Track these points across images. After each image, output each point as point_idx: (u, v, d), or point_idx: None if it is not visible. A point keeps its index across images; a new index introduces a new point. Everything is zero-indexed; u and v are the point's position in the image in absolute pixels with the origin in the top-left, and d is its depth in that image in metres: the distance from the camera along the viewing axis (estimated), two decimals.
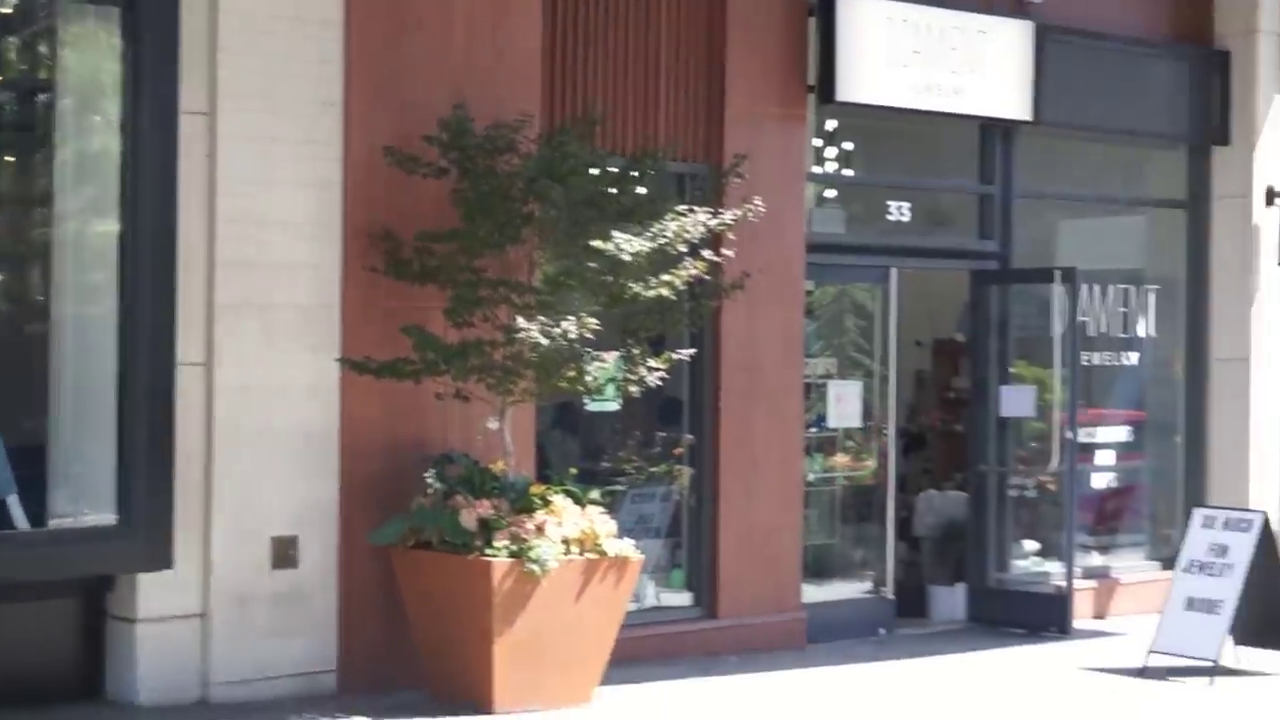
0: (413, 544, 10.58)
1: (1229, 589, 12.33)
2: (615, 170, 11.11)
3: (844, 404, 13.92)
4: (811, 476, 13.70)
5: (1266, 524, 12.58)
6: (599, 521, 10.66)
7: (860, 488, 14.21)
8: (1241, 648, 12.66)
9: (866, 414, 14.06)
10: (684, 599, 12.79)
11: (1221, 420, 15.75)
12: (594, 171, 10.89)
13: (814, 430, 13.77)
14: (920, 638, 13.95)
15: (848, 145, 14.00)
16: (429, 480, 10.63)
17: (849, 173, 14.16)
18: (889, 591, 14.14)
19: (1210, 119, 15.72)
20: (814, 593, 13.52)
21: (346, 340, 10.80)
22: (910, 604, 14.51)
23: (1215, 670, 12.23)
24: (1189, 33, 15.73)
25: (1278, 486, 15.60)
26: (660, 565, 12.72)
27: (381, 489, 10.86)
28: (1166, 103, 15.62)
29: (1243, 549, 12.43)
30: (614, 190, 10.90)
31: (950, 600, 14.73)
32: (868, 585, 14.16)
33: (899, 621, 14.12)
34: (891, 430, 14.26)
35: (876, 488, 14.19)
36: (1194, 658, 12.34)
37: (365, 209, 10.90)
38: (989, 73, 13.99)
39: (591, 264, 10.56)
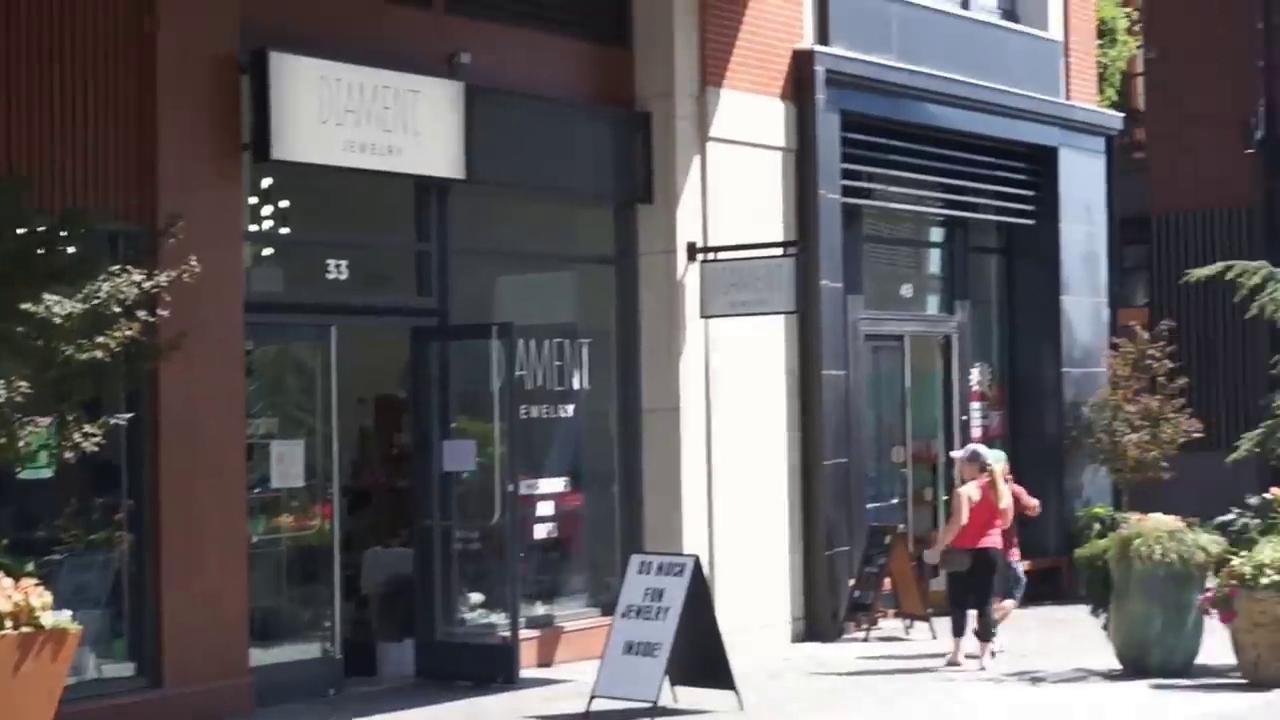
0: None
1: (665, 631, 12.77)
2: (44, 229, 10.75)
3: (287, 463, 13.83)
4: (256, 538, 13.54)
5: (698, 567, 13.09)
6: (34, 594, 10.27)
7: (306, 547, 14.13)
8: (679, 687, 13.13)
9: (310, 473, 14.00)
10: (127, 669, 12.45)
11: (654, 468, 16.28)
12: (21, 231, 10.52)
13: (257, 491, 13.62)
14: (370, 695, 13.94)
15: (285, 203, 13.97)
16: None
17: (287, 231, 14.11)
18: (337, 651, 14.09)
19: (634, 178, 16.30)
20: (262, 655, 13.36)
21: None
22: (360, 662, 14.50)
23: (654, 711, 12.64)
24: (613, 94, 16.28)
25: (707, 530, 16.22)
26: (102, 636, 12.35)
27: None
28: (593, 162, 16.11)
29: (677, 592, 12.90)
30: (43, 250, 10.55)
31: (399, 656, 14.77)
32: (316, 645, 14.08)
33: (349, 680, 14.10)
34: (335, 488, 14.25)
35: (322, 547, 14.12)
36: (634, 700, 12.72)
37: None
38: (422, 131, 14.17)
39: (20, 327, 10.21)
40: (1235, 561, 14.41)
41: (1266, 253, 23.04)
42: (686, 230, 16.29)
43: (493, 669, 14.40)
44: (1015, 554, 16.45)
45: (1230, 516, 15.68)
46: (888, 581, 17.37)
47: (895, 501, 19.16)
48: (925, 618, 17.24)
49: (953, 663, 15.36)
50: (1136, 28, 26.85)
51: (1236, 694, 13.89)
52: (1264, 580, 14.05)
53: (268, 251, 14.12)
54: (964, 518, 15.31)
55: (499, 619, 14.80)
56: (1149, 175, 27.34)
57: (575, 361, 16.04)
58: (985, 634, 15.38)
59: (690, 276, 16.26)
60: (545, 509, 15.74)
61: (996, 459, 16.30)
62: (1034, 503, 16.57)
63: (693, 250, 16.29)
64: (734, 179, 16.68)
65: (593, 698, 12.89)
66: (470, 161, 14.53)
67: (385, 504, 16.51)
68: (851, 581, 17.44)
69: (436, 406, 14.88)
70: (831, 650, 16.53)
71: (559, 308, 16.68)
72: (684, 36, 16.30)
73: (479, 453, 14.68)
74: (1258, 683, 14.10)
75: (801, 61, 17.37)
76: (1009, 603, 16.29)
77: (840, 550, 17.40)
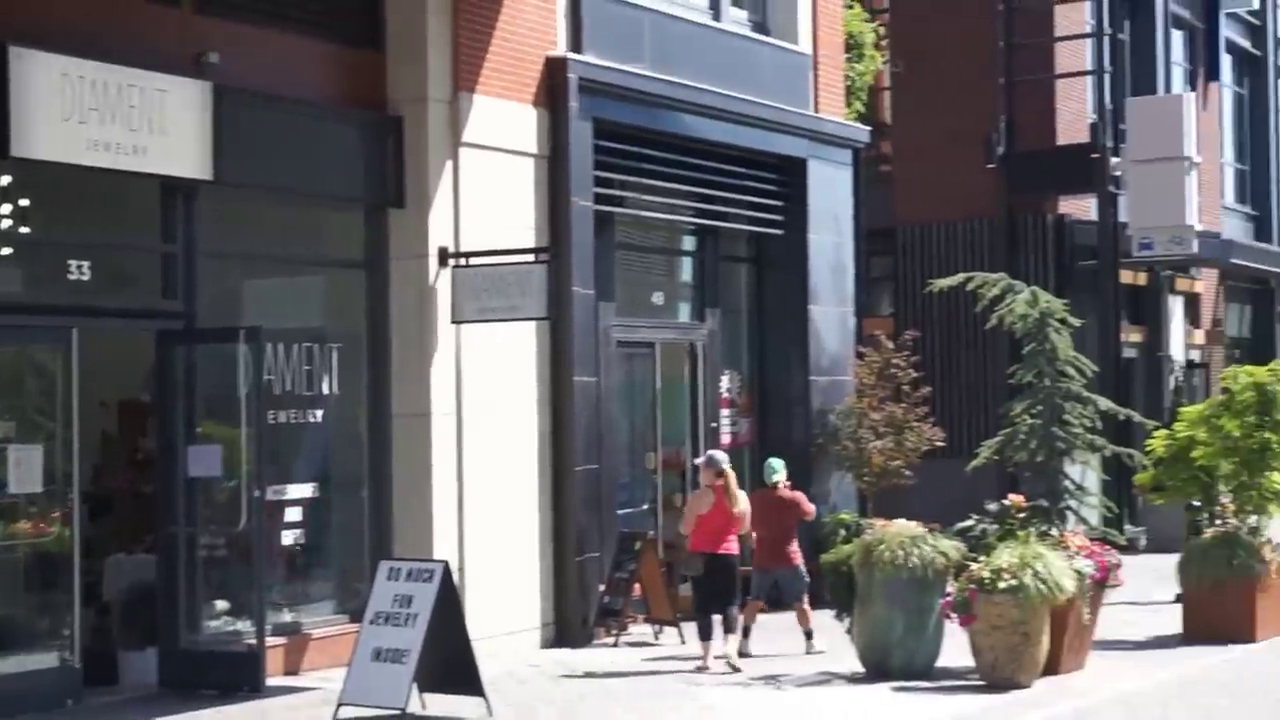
0: None
1: (413, 638, 12.74)
2: None
3: (25, 468, 13.49)
4: None
5: (447, 573, 13.07)
6: None
7: (44, 554, 13.79)
8: (428, 694, 13.09)
9: (49, 478, 13.68)
10: None
11: (404, 473, 16.19)
12: None
13: None
14: (110, 706, 13.69)
15: (25, 202, 13.63)
16: None
17: (27, 230, 13.77)
18: (76, 660, 13.77)
19: (386, 182, 16.19)
20: None
21: None
22: (101, 671, 14.21)
23: (403, 718, 12.58)
24: (365, 98, 16.17)
25: (458, 536, 16.17)
26: None
27: None
28: (344, 166, 15.97)
29: (425, 599, 12.87)
30: None
31: (142, 665, 14.51)
32: (54, 654, 13.74)
33: (89, 690, 13.80)
34: (76, 494, 13.94)
35: (61, 553, 13.80)
36: (383, 707, 12.67)
37: None
38: (169, 131, 13.93)
39: None
40: (974, 566, 14.77)
41: (1007, 265, 23.80)
42: (438, 235, 16.23)
43: (238, 677, 14.20)
44: (798, 556, 16.84)
45: (970, 523, 16.12)
46: (638, 587, 17.48)
47: (646, 507, 19.31)
48: (674, 623, 17.39)
49: (702, 667, 15.52)
50: (883, 43, 27.41)
51: (975, 695, 14.23)
52: (1001, 584, 14.41)
53: (6, 251, 13.78)
54: (691, 523, 15.62)
55: (245, 626, 14.59)
56: (895, 188, 27.93)
57: (325, 366, 15.87)
58: (729, 627, 15.63)
59: (442, 282, 16.20)
60: (293, 515, 15.55)
61: (779, 468, 16.81)
62: (811, 508, 17.18)
63: (444, 255, 16.24)
64: (487, 184, 16.67)
65: (340, 705, 12.80)
66: (218, 162, 14.32)
67: (128, 510, 16.16)
68: (602, 587, 17.52)
69: (182, 411, 14.64)
70: (581, 656, 16.59)
71: (308, 312, 16.51)
72: (437, 41, 16.26)
73: (226, 458, 14.48)
74: (995, 684, 14.46)
75: (555, 69, 17.42)
76: (805, 605, 16.68)
77: (591, 556, 17.48)
